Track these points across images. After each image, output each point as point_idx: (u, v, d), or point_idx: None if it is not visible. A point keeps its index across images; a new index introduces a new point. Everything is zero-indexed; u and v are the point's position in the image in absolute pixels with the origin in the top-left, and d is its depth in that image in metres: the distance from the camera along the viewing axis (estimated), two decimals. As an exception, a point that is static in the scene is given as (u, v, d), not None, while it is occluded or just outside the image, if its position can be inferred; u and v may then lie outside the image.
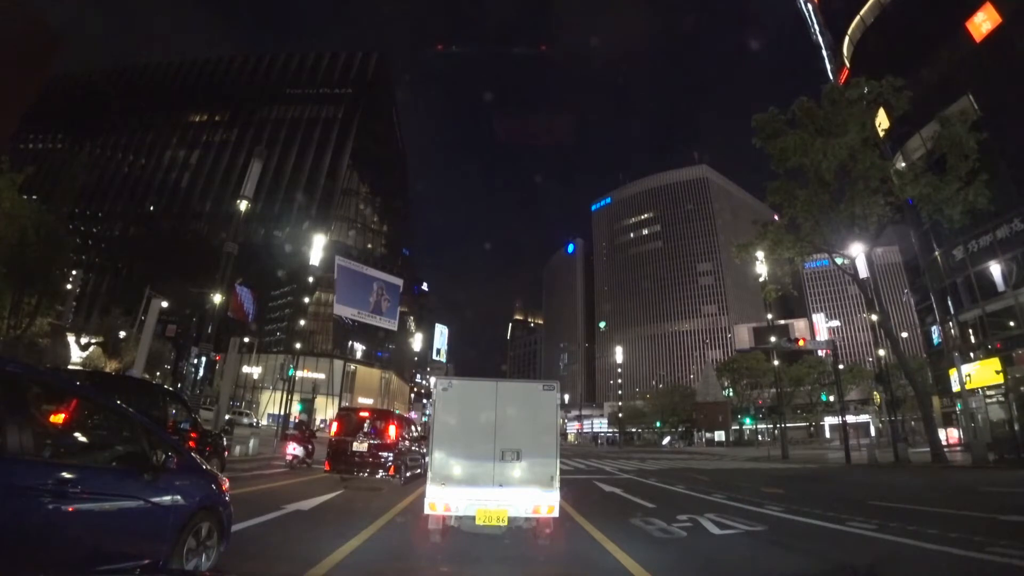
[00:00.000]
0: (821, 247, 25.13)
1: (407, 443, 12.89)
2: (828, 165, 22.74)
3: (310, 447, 16.20)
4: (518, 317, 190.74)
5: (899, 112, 23.06)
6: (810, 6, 49.13)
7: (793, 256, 25.83)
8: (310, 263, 39.73)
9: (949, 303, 29.16)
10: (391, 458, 11.64)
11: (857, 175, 22.39)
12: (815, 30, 48.98)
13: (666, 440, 76.17)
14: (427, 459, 6.39)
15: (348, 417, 13.07)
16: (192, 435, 9.68)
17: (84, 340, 38.22)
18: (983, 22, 26.28)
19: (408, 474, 12.33)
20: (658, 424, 79.49)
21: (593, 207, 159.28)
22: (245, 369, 53.72)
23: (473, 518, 5.67)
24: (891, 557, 5.73)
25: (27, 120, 46.77)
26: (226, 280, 24.55)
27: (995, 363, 24.65)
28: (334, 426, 13.01)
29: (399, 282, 73.62)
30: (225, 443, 13.53)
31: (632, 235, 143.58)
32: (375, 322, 68.89)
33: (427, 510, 5.79)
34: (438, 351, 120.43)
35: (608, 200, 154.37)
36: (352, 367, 68.52)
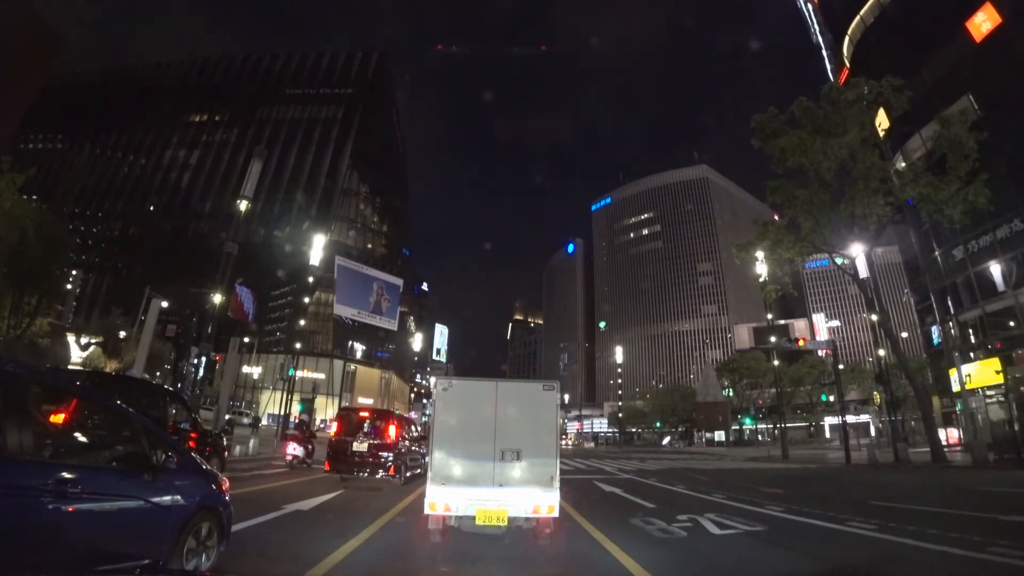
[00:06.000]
0: (821, 247, 25.13)
1: (407, 443, 12.88)
2: (828, 165, 22.76)
3: (310, 447, 16.20)
4: (518, 317, 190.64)
5: (899, 112, 23.07)
6: (810, 6, 49.18)
7: (793, 256, 25.83)
8: (310, 263, 39.76)
9: (949, 303, 29.17)
10: (391, 458, 11.63)
11: (857, 175, 22.39)
12: (815, 30, 49.03)
13: (666, 440, 76.20)
14: (427, 459, 6.39)
15: (348, 417, 13.06)
16: (192, 435, 9.68)
17: (84, 340, 38.16)
18: (983, 22, 26.29)
19: (408, 474, 12.33)
20: (658, 424, 79.52)
21: (593, 207, 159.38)
22: (245, 369, 53.71)
23: (473, 518, 5.66)
24: (891, 557, 5.73)
25: (27, 120, 46.72)
26: (226, 280, 24.56)
27: (995, 363, 24.66)
28: (334, 426, 13.02)
29: (399, 282, 73.58)
30: (225, 443, 13.53)
31: (632, 235, 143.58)
32: (375, 322, 68.85)
33: (427, 510, 5.78)
34: (438, 351, 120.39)
35: (608, 200, 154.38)
36: (352, 367, 68.48)
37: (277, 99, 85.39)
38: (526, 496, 5.73)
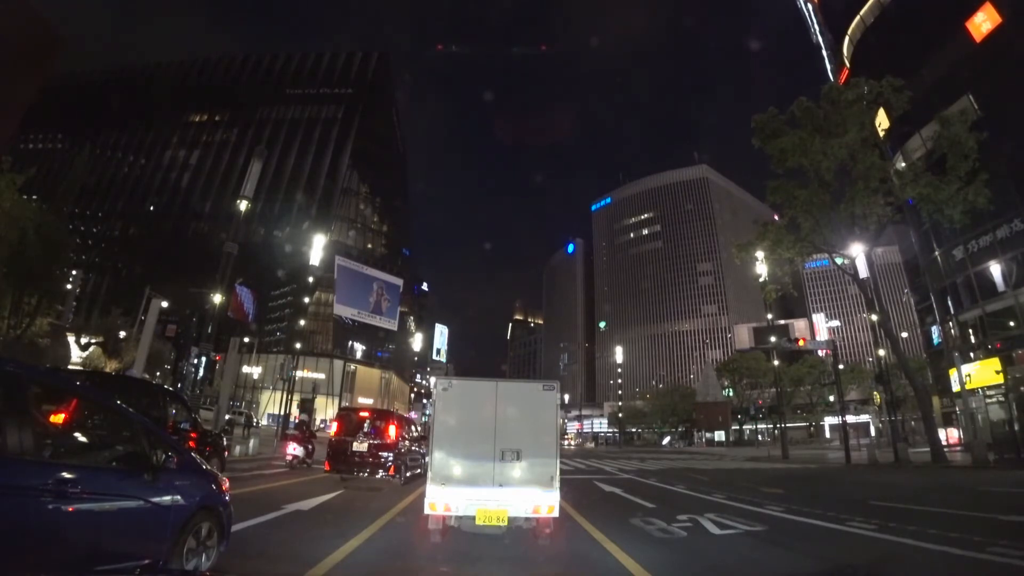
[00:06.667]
0: (821, 247, 25.12)
1: (407, 443, 12.88)
2: (828, 165, 22.75)
3: (310, 447, 16.20)
4: (518, 317, 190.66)
5: (899, 112, 23.05)
6: (810, 6, 49.20)
7: (793, 256, 25.81)
8: (310, 263, 39.79)
9: (949, 303, 29.17)
10: (391, 458, 11.63)
11: (857, 175, 22.38)
12: (815, 30, 49.05)
13: (666, 440, 76.19)
14: (427, 459, 6.39)
15: (348, 417, 13.07)
16: (192, 435, 9.68)
17: (84, 340, 38.17)
18: (983, 22, 26.30)
19: (408, 474, 12.33)
20: (658, 424, 79.52)
21: (593, 207, 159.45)
22: (245, 369, 53.72)
23: (473, 518, 5.66)
24: (891, 557, 5.73)
25: (27, 120, 46.75)
26: (226, 280, 24.58)
27: (995, 363, 24.65)
28: (334, 426, 13.02)
29: (399, 282, 73.60)
30: (225, 443, 13.53)
31: (632, 235, 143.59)
32: (375, 322, 68.86)
33: (427, 510, 5.78)
34: (438, 351, 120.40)
35: (608, 200, 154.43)
36: (352, 367, 68.49)
37: (277, 99, 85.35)
38: (526, 496, 5.73)
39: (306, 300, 63.55)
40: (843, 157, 22.53)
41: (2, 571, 2.44)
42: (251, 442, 20.30)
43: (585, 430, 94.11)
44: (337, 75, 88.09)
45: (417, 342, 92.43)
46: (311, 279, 49.97)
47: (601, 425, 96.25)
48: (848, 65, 37.67)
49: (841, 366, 34.71)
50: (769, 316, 37.24)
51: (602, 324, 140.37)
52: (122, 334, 38.38)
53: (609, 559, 5.47)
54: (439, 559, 5.68)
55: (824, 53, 46.96)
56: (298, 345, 44.45)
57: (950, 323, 29.58)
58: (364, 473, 11.53)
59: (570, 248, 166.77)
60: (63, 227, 30.28)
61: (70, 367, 27.50)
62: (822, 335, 50.82)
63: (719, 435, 68.78)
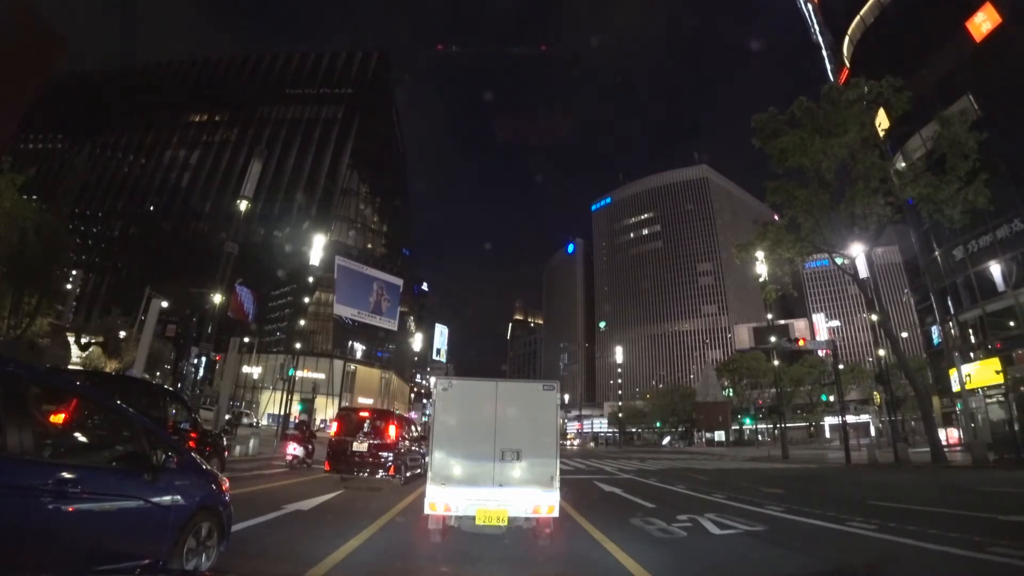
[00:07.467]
0: (821, 247, 25.12)
1: (407, 443, 12.88)
2: (828, 165, 22.76)
3: (310, 447, 16.20)
4: (518, 317, 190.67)
5: (899, 112, 23.04)
6: (810, 6, 49.20)
7: (793, 256, 25.82)
8: (310, 263, 39.74)
9: (949, 303, 29.17)
10: (391, 458, 11.63)
11: (857, 175, 22.39)
12: (815, 30, 49.07)
13: (666, 440, 76.21)
14: (427, 459, 6.38)
15: (348, 417, 13.07)
16: (192, 435, 9.68)
17: (84, 340, 38.21)
18: (983, 22, 26.30)
19: (408, 474, 12.33)
20: (658, 424, 79.52)
21: (593, 207, 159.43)
22: (245, 369, 53.69)
23: (473, 518, 5.66)
24: (891, 557, 5.73)
25: (28, 120, 46.75)
26: (226, 280, 24.60)
27: (995, 363, 24.65)
28: (334, 426, 13.02)
29: (399, 282, 73.59)
30: (225, 443, 13.52)
31: (632, 235, 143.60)
32: (375, 322, 68.85)
33: (427, 510, 5.78)
34: (438, 351, 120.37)
35: (608, 200, 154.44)
36: (352, 367, 68.46)
37: (277, 99, 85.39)
38: (526, 496, 5.73)
39: (306, 300, 63.51)
40: (843, 157, 22.54)
41: (2, 571, 2.44)
42: (251, 442, 20.29)
43: (585, 430, 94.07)
44: (337, 75, 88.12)
45: (417, 342, 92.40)
46: (311, 279, 49.91)
47: (601, 425, 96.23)
48: (848, 65, 37.67)
49: (841, 366, 34.70)
50: (769, 316, 37.24)
51: (602, 324, 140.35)
52: (122, 334, 38.41)
53: (609, 559, 5.47)
54: (439, 559, 5.68)
55: (824, 53, 46.98)
56: (298, 345, 44.38)
57: (950, 323, 29.57)
58: (364, 473, 11.52)
59: (570, 248, 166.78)
60: (63, 227, 30.30)
61: (70, 367, 27.52)
62: (822, 335, 50.77)
63: (719, 435, 68.75)
